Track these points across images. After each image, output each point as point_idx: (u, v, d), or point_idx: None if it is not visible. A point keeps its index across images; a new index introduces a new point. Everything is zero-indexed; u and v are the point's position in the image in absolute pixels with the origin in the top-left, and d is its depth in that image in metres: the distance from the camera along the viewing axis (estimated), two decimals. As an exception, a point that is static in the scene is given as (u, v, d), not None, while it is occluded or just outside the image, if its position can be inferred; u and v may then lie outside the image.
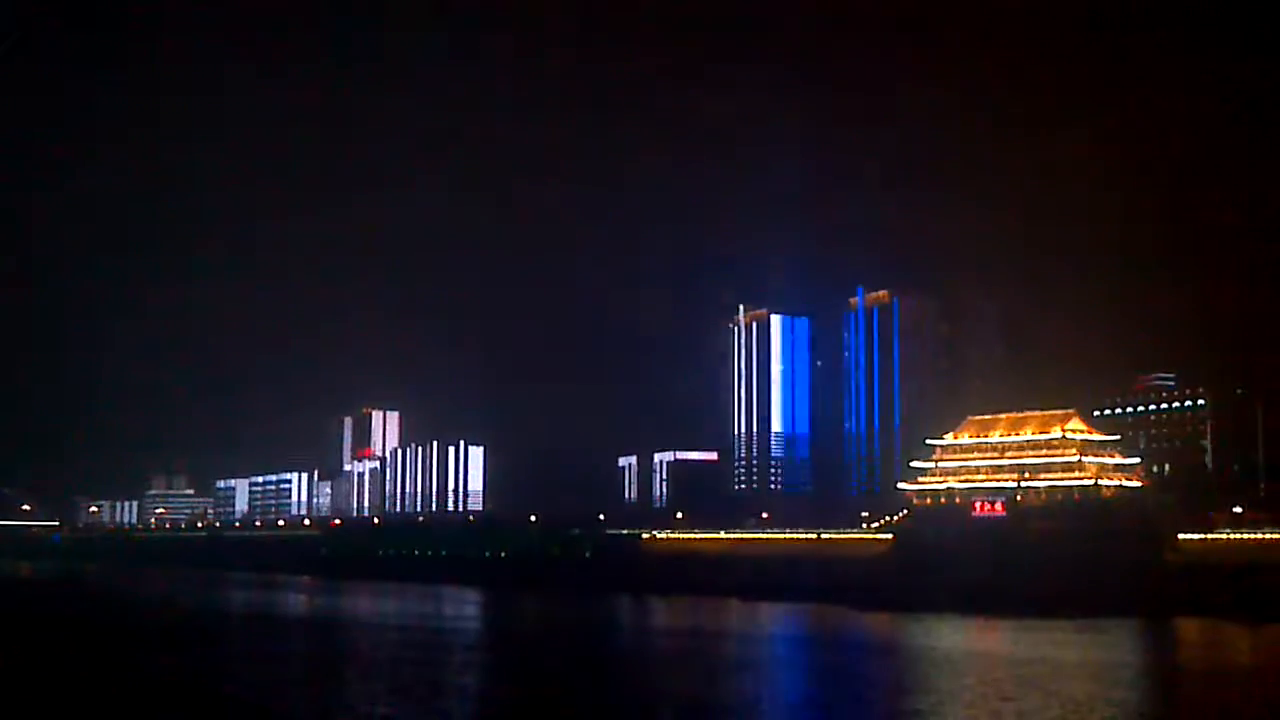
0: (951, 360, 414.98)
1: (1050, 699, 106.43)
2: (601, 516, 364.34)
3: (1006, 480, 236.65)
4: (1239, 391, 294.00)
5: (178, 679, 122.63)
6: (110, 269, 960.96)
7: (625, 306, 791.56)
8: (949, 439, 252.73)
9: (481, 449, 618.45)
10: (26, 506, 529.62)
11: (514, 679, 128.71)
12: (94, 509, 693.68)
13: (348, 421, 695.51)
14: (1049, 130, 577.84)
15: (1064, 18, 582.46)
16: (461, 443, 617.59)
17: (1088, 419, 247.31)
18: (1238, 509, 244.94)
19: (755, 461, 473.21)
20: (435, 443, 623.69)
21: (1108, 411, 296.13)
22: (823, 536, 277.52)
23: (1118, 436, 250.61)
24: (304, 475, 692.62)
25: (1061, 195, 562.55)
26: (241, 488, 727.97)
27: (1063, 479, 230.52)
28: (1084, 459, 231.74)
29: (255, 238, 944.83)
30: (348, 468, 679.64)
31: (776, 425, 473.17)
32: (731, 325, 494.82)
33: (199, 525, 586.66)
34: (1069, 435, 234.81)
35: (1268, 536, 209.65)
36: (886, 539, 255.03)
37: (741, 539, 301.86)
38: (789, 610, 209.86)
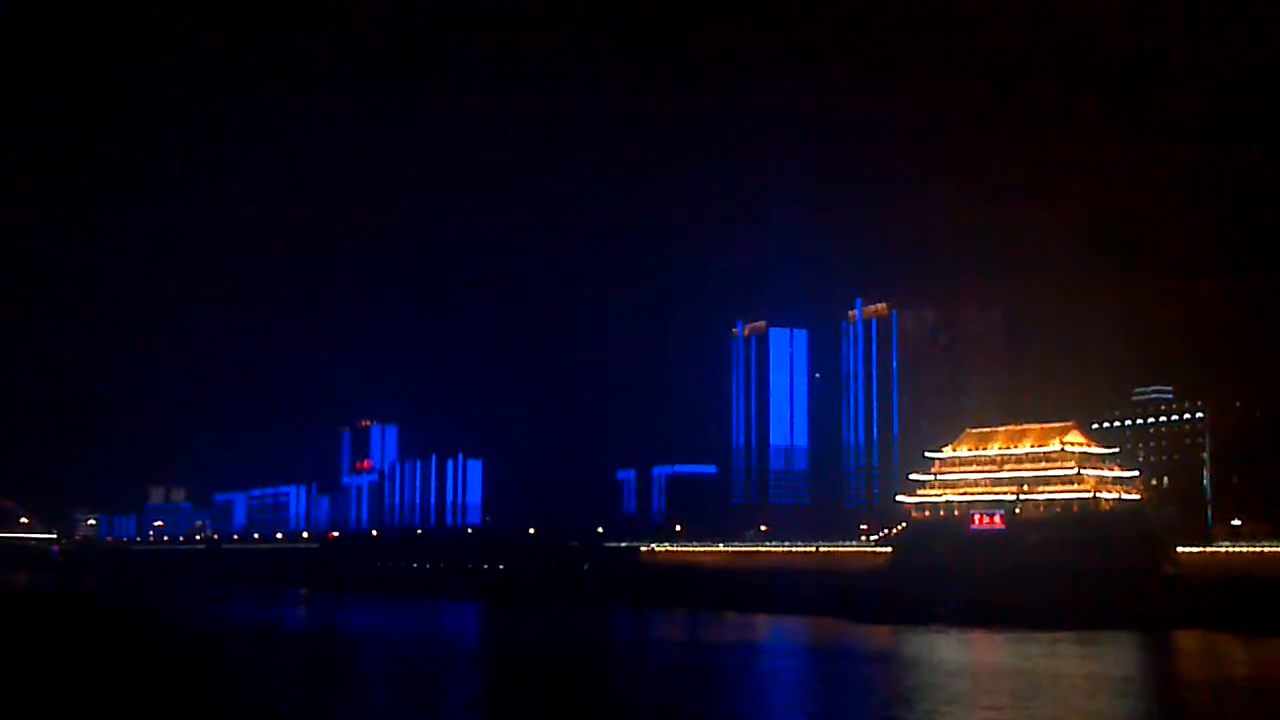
0: (950, 373, 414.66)
1: (1045, 710, 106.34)
2: (600, 529, 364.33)
3: (1005, 493, 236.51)
4: (1237, 404, 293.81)
5: (174, 693, 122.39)
6: (109, 283, 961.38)
7: (624, 319, 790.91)
8: (948, 451, 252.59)
9: (480, 462, 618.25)
10: (24, 519, 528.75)
11: (511, 692, 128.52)
12: (91, 521, 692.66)
13: (346, 435, 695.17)
14: (1048, 143, 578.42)
15: (1061, 28, 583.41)
16: (460, 456, 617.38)
17: (1086, 432, 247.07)
18: (1236, 521, 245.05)
19: (754, 474, 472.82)
20: (434, 456, 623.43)
21: (1106, 424, 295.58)
22: (821, 549, 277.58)
23: (1116, 449, 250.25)
24: (302, 489, 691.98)
25: (1060, 208, 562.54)
26: (239, 501, 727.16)
27: (1061, 492, 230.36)
28: (1082, 472, 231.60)
29: (254, 251, 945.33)
30: (346, 481, 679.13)
31: (775, 438, 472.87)
32: (730, 338, 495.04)
33: (196, 538, 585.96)
34: (1067, 448, 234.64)
35: (1266, 550, 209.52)
36: (885, 551, 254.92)
37: (740, 552, 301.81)
38: (787, 623, 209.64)
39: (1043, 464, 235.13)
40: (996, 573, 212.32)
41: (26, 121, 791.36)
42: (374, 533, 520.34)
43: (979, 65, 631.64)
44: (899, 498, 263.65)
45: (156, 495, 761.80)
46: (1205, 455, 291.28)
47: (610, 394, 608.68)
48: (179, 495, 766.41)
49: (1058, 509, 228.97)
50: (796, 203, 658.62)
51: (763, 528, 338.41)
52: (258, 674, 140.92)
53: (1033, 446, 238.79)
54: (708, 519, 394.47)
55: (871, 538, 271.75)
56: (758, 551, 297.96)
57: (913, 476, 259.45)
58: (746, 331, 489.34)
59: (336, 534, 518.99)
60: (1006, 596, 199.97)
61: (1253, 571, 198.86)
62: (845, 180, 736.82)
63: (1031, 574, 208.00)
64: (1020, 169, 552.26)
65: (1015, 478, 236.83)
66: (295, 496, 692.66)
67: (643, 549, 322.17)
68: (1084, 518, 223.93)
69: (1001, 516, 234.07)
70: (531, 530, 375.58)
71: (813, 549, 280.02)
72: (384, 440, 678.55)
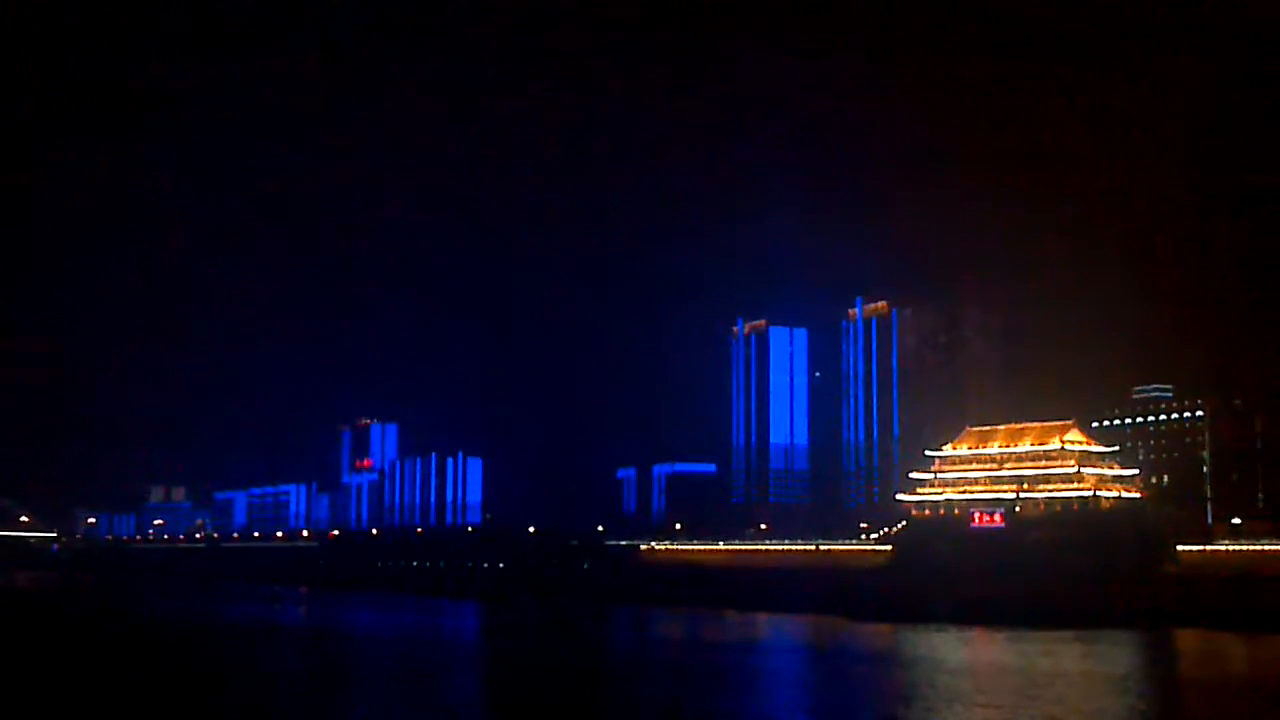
0: (950, 371, 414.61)
1: (1045, 708, 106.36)
2: (600, 528, 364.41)
3: (1005, 491, 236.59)
4: (1237, 403, 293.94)
5: (173, 691, 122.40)
6: (108, 282, 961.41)
7: (624, 318, 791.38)
8: (948, 450, 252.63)
9: (480, 461, 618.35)
10: (25, 518, 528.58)
11: (510, 691, 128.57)
12: (91, 520, 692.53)
13: (346, 433, 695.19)
14: (1049, 142, 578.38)
15: (1061, 27, 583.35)
16: (460, 454, 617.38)
17: (1086, 430, 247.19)
18: (1236, 520, 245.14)
19: (754, 473, 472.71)
20: (434, 455, 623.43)
21: (1106, 423, 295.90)
22: (821, 547, 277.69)
23: (1116, 448, 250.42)
24: (302, 487, 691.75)
25: (1061, 206, 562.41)
26: (240, 500, 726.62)
27: (1061, 490, 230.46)
28: (1082, 470, 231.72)
29: (254, 252, 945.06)
30: (346, 480, 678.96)
31: (775, 436, 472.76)
32: (730, 337, 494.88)
33: (196, 536, 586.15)
34: (1067, 446, 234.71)
35: (1266, 548, 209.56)
36: (885, 550, 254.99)
37: (740, 550, 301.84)
38: (787, 621, 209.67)
39: (1043, 462, 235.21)
40: (996, 571, 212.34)
41: (26, 119, 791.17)
42: (374, 531, 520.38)
43: (979, 64, 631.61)
44: (899, 496, 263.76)
45: (156, 494, 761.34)
46: (1205, 454, 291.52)
47: (610, 393, 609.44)
48: (179, 494, 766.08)
49: (1058, 507, 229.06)
50: (797, 202, 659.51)
51: (762, 526, 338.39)
52: (256, 673, 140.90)
53: (1033, 445, 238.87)
54: (708, 518, 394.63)
55: (872, 536, 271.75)
56: (758, 550, 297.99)
57: (913, 475, 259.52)
58: (746, 330, 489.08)
59: (337, 532, 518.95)
60: (1006, 595, 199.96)
61: (1252, 570, 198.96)
62: (845, 179, 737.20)
63: (1031, 572, 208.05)
64: (1021, 168, 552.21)
65: (1015, 476, 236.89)
66: (295, 495, 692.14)
67: (643, 547, 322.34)
68: (1084, 516, 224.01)
69: (1002, 515, 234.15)
70: (531, 529, 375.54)
71: (813, 547, 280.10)
72: (384, 439, 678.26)
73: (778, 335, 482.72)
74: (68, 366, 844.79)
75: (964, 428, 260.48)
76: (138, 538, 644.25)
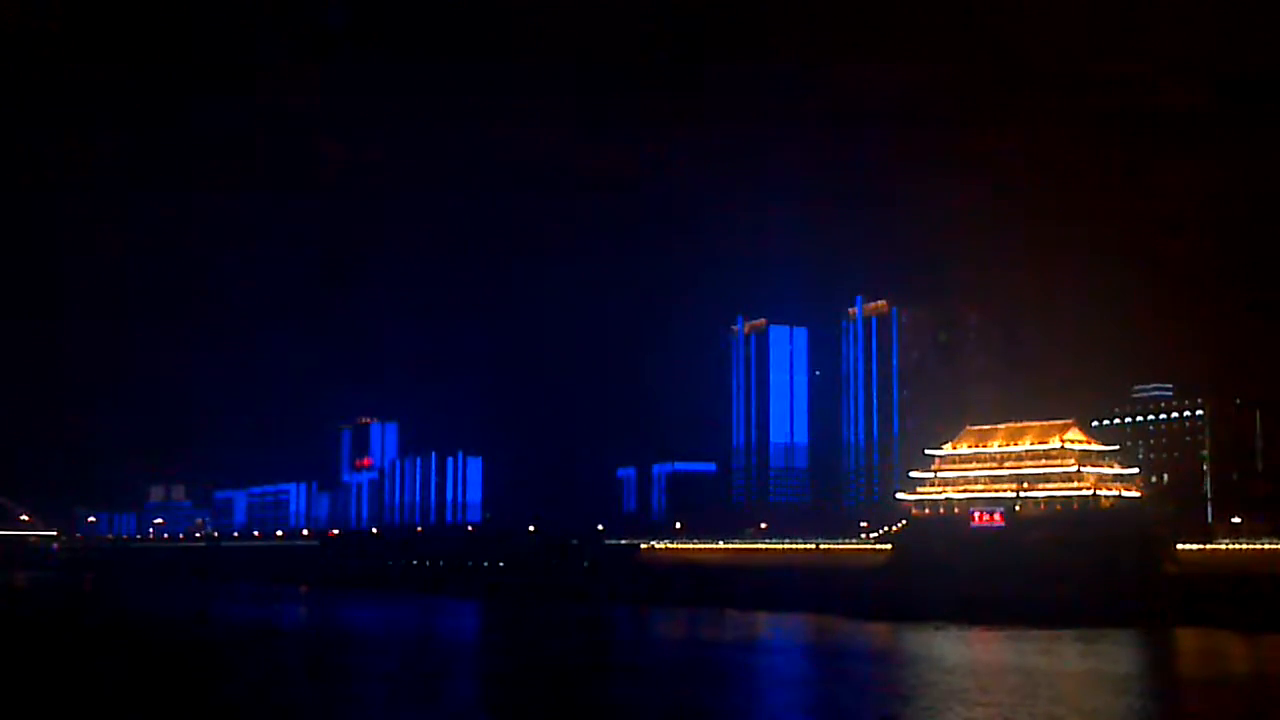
0: (950, 370, 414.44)
1: (1044, 708, 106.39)
2: (600, 527, 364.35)
3: (1005, 490, 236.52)
4: (1237, 402, 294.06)
5: (173, 691, 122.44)
6: (107, 281, 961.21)
7: (624, 317, 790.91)
8: (948, 449, 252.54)
9: (480, 460, 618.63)
10: (25, 517, 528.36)
11: (510, 691, 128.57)
12: (92, 519, 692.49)
13: (346, 433, 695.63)
14: (1050, 141, 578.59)
15: (1061, 26, 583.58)
16: (460, 454, 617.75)
17: (1086, 429, 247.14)
18: (1236, 519, 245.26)
19: (754, 472, 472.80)
20: (434, 454, 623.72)
21: (1106, 422, 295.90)
22: (821, 547, 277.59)
23: (1116, 447, 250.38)
24: (302, 486, 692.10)
25: (1061, 204, 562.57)
26: (240, 499, 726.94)
27: (1061, 489, 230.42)
28: (1082, 469, 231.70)
29: (254, 250, 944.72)
30: (346, 479, 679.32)
31: (775, 436, 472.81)
32: (730, 336, 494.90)
33: (196, 536, 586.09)
34: (1067, 445, 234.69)
35: (1266, 547, 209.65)
36: (885, 549, 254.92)
37: (740, 549, 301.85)
38: (787, 620, 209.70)
39: (1043, 461, 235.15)
40: (996, 570, 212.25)
41: (26, 118, 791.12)
42: (374, 530, 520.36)
43: (982, 62, 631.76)
44: (899, 495, 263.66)
45: (157, 493, 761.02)
46: (1205, 453, 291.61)
47: (610, 392, 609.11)
48: (179, 493, 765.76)
49: (1058, 506, 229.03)
50: (797, 200, 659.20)
51: (762, 525, 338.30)
52: (255, 672, 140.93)
53: (1033, 444, 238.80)
54: (708, 517, 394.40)
55: (871, 535, 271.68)
56: (757, 549, 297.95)
57: (913, 474, 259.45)
58: (746, 329, 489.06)
59: (337, 531, 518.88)
60: (1006, 594, 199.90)
61: (1252, 569, 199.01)
62: (846, 177, 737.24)
63: (1031, 571, 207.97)
64: (1022, 168, 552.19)
65: (1015, 475, 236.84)
66: (295, 494, 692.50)
67: (643, 547, 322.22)
68: (1084, 515, 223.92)
69: (1001, 514, 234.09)
70: (531, 528, 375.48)
71: (812, 546, 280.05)
72: (384, 438, 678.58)
73: (778, 334, 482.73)
74: (67, 366, 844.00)
75: (964, 427, 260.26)
76: (138, 537, 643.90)
